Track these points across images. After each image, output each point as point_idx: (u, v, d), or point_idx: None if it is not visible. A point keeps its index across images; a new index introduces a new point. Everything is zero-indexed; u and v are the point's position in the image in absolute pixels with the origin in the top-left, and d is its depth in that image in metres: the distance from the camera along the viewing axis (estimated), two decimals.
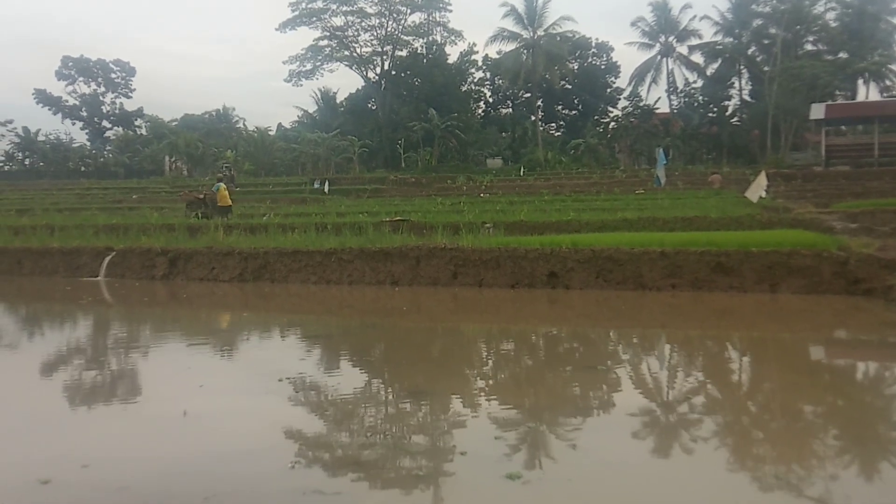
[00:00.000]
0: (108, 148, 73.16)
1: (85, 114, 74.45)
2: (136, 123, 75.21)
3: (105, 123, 76.03)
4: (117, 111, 75.62)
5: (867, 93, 54.27)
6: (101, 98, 74.63)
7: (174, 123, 71.71)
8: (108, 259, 14.95)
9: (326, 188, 43.41)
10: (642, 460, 4.61)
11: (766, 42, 55.01)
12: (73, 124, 74.49)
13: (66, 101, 73.53)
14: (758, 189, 27.49)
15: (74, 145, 71.10)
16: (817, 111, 43.22)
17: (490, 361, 8.16)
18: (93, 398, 6.44)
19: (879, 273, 10.52)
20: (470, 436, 5.08)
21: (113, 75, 74.30)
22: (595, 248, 11.79)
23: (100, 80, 74.02)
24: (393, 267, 12.78)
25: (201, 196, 25.67)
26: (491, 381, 7.07)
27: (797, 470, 4.31)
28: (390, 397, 6.48)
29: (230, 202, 24.22)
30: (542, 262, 11.96)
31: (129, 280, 14.68)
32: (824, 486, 3.99)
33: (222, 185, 24.45)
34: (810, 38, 56.04)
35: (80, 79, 73.42)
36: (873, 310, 9.97)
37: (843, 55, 53.15)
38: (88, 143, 73.61)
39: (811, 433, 5.17)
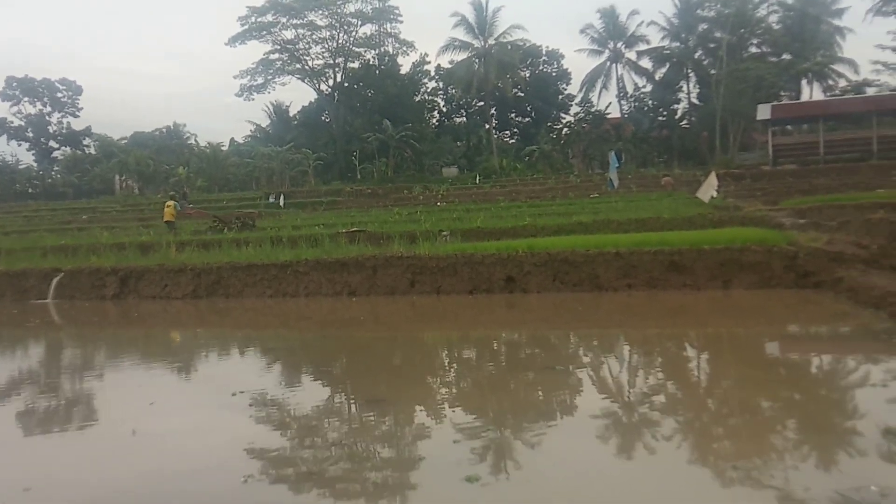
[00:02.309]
0: (56, 168, 71.65)
1: (31, 134, 72.86)
2: (85, 143, 73.89)
3: (52, 144, 74.51)
4: (64, 131, 74.15)
5: (811, 93, 55.80)
6: (47, 118, 73.19)
7: (124, 142, 70.59)
8: (56, 280, 14.54)
9: (282, 202, 43.05)
10: (601, 459, 4.61)
11: (711, 46, 56.16)
12: (19, 145, 72.91)
13: (11, 122, 72.00)
14: (709, 189, 27.97)
15: (21, 167, 69.55)
16: (763, 112, 44.23)
17: (449, 367, 8.10)
18: (38, 421, 6.22)
19: (828, 266, 10.73)
20: (429, 441, 5.02)
21: (59, 94, 72.91)
22: (551, 251, 11.83)
23: (46, 99, 72.59)
24: (350, 277, 12.67)
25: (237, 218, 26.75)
26: (449, 387, 7.01)
27: (756, 462, 4.33)
28: (348, 408, 6.38)
29: (173, 219, 25.35)
30: (499, 266, 11.96)
31: (79, 301, 14.31)
32: (783, 476, 4.01)
33: (171, 202, 25.73)
34: (754, 41, 57.34)
35: (26, 99, 71.91)
36: (823, 302, 10.14)
37: (786, 56, 54.53)
38: (35, 164, 72.10)
39: (768, 426, 5.21)
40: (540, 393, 6.46)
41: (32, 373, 8.83)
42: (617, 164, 31.29)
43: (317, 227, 23.87)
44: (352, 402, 6.54)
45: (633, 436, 5.08)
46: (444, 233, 19.24)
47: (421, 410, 5.97)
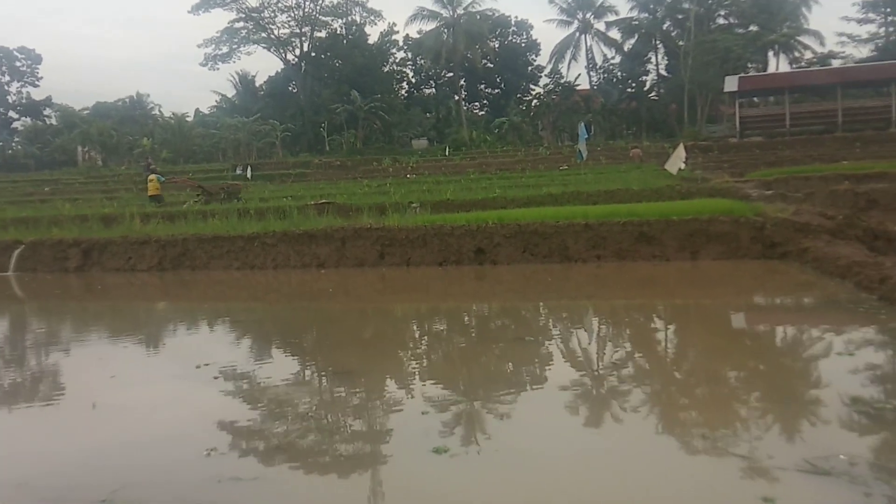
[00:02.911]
0: (17, 140, 69.86)
1: None
2: (45, 113, 72.06)
3: (11, 114, 72.56)
4: (24, 101, 72.26)
5: (777, 64, 56.24)
6: (5, 88, 71.20)
7: (86, 112, 69.05)
8: (17, 252, 14.20)
9: (249, 174, 42.51)
10: (570, 429, 4.59)
11: (679, 17, 56.26)
12: None
13: None
14: (677, 161, 28.10)
15: None
16: (731, 83, 44.48)
17: (419, 340, 8.05)
18: None
19: (794, 236, 10.83)
20: (397, 414, 4.97)
21: (18, 63, 70.93)
22: (521, 222, 11.80)
23: (3, 69, 70.53)
24: (318, 249, 12.53)
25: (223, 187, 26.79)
26: (419, 359, 6.96)
27: (724, 431, 4.34)
28: (314, 380, 6.31)
29: (158, 192, 25.01)
30: (468, 238, 11.90)
31: (41, 274, 14.00)
32: (750, 445, 4.03)
33: (153, 175, 25.46)
34: (722, 13, 57.55)
35: None
36: (789, 272, 10.25)
37: (753, 28, 54.78)
38: None
39: (735, 396, 5.24)
40: (510, 364, 6.44)
41: None
42: (586, 136, 31.30)
43: (285, 199, 23.59)
44: (321, 374, 6.46)
45: (601, 406, 5.07)
46: (414, 204, 19.14)
47: (390, 382, 5.92)
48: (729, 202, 13.42)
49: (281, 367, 6.60)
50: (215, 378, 5.89)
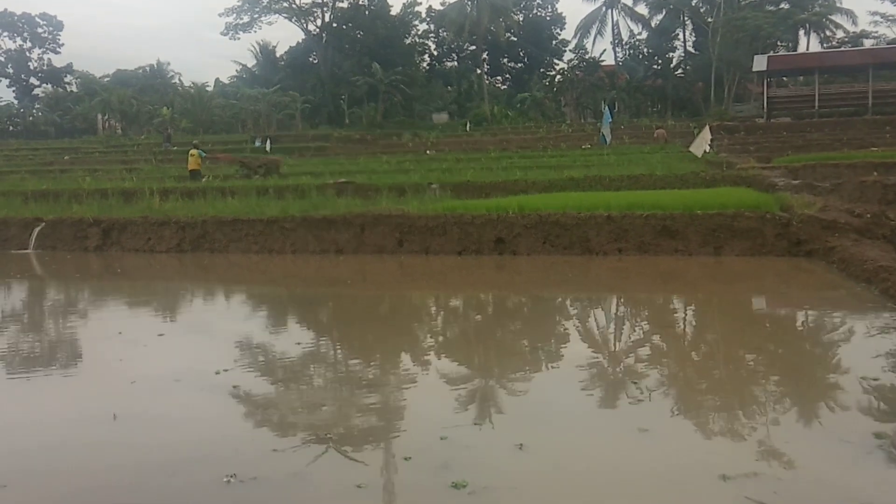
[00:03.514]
0: (38, 106, 70.10)
1: (11, 71, 71.13)
2: (66, 80, 72.17)
3: (33, 80, 72.80)
4: (45, 67, 72.39)
5: (808, 44, 55.05)
6: (27, 54, 71.37)
7: (106, 80, 69.00)
8: (37, 230, 14.26)
9: (268, 147, 42.36)
10: (588, 410, 4.83)
11: None
12: None
13: None
14: (702, 143, 27.74)
15: (1, 104, 67.97)
16: (759, 63, 43.61)
17: (436, 337, 7.95)
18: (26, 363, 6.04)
19: (821, 234, 10.61)
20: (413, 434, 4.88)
21: (39, 30, 70.94)
22: (542, 213, 11.64)
23: (25, 35, 70.61)
24: (337, 235, 12.46)
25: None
26: (437, 368, 6.84)
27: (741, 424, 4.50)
28: (336, 367, 6.24)
29: (199, 167, 25.18)
30: (489, 228, 11.78)
31: (61, 252, 14.04)
32: (766, 432, 4.18)
33: (194, 150, 25.48)
34: None
35: (5, 34, 69.99)
36: (815, 271, 10.06)
37: (784, 6, 53.54)
38: (16, 102, 70.45)
39: (756, 401, 5.13)
40: (528, 357, 6.33)
41: (24, 322, 8.62)
42: (610, 119, 30.87)
43: (304, 176, 23.53)
44: (337, 350, 6.44)
45: (620, 390, 5.00)
46: (434, 186, 19.02)
47: (405, 383, 5.84)
48: (754, 194, 13.18)
49: (302, 357, 6.54)
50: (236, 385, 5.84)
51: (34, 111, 68.82)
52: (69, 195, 20.04)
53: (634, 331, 7.83)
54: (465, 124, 52.98)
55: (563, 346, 7.04)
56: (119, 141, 52.64)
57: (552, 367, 6.33)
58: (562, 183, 18.71)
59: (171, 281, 12.18)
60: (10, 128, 65.27)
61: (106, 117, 62.74)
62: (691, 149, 27.63)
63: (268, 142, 43.34)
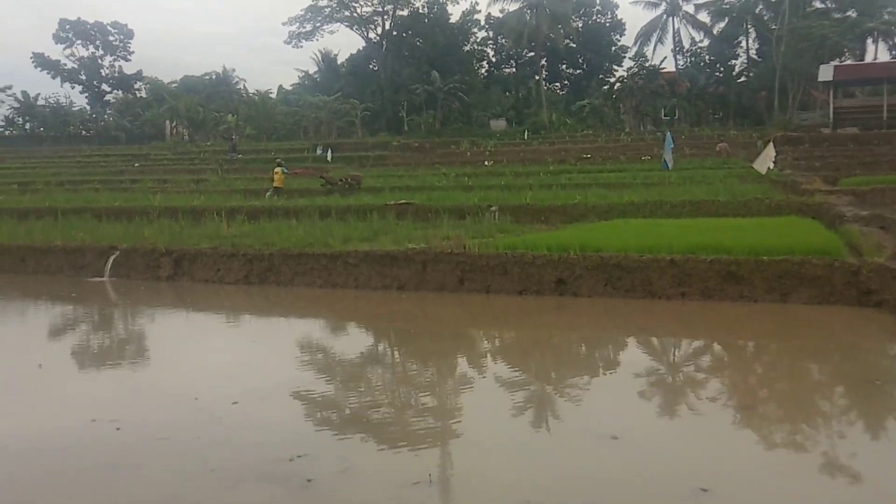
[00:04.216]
0: (109, 112, 72.62)
1: (84, 77, 73.95)
2: (136, 87, 74.59)
3: (104, 87, 75.53)
4: (116, 74, 75.08)
5: (875, 53, 53.43)
6: (99, 61, 74.10)
7: (174, 86, 71.01)
8: (112, 259, 14.88)
9: (329, 156, 43.03)
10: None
11: (773, 0, 53.86)
12: (73, 88, 74.10)
13: (65, 64, 73.14)
14: (766, 160, 27.33)
15: (74, 109, 70.63)
16: (825, 72, 42.59)
17: (494, 379, 8.07)
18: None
19: (891, 284, 10.38)
20: None
21: (111, 38, 73.64)
22: (604, 255, 11.66)
23: (98, 42, 73.43)
24: (399, 272, 12.69)
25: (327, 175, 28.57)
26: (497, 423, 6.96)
27: None
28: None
29: (282, 185, 26.52)
30: (549, 268, 11.85)
31: (135, 280, 14.63)
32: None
33: (278, 168, 27.03)
34: None
35: (78, 42, 72.81)
36: (884, 322, 9.88)
37: (851, 14, 52.07)
38: (88, 107, 73.14)
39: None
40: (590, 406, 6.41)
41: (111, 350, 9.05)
42: (671, 145, 30.52)
43: (365, 195, 23.98)
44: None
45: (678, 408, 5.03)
46: (493, 208, 19.21)
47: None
48: (822, 233, 13.00)
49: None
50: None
51: (106, 116, 71.31)
52: (140, 213, 20.89)
53: (707, 382, 7.78)
54: (524, 132, 52.95)
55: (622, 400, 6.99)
56: (186, 147, 54.14)
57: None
58: (622, 207, 18.69)
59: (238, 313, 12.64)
60: (83, 132, 67.78)
61: (174, 123, 64.65)
62: (755, 165, 27.27)
63: (329, 151, 44.01)
